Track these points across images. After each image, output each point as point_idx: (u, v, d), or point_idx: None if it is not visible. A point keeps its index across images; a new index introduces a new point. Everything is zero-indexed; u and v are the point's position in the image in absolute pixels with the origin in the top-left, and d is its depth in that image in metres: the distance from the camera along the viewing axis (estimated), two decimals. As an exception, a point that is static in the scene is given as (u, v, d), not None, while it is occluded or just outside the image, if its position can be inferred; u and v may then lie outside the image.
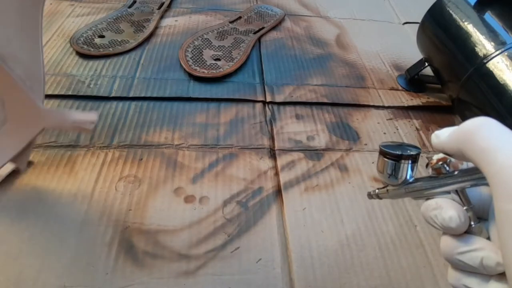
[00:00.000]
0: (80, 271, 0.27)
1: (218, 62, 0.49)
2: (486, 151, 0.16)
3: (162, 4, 0.60)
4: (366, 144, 0.41)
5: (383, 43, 0.59)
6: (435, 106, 0.48)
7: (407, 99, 0.48)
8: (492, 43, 0.38)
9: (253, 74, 0.49)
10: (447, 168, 0.20)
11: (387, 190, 0.23)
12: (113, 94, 0.42)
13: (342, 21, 0.64)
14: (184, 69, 0.47)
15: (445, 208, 0.18)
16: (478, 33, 0.39)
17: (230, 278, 0.28)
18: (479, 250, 0.18)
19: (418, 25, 0.47)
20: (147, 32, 0.53)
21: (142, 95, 0.43)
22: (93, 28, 0.52)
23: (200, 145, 0.38)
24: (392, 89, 0.50)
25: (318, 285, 0.28)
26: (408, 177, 0.21)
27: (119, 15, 0.56)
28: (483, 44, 0.38)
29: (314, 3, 0.68)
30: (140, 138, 0.38)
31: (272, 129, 0.41)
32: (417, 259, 0.31)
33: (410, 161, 0.21)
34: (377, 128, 0.43)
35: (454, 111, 0.47)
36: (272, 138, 0.40)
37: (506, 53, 0.36)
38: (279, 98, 0.45)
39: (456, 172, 0.19)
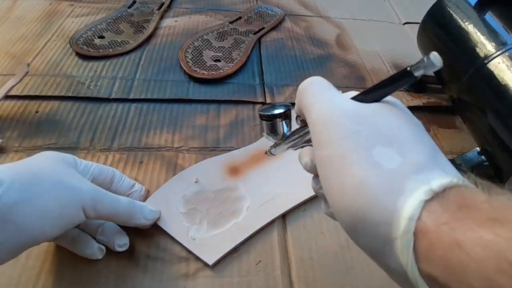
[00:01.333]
0: (80, 275, 0.27)
1: (218, 63, 0.48)
2: (305, 108, 0.20)
3: (162, 4, 0.60)
4: (366, 145, 0.41)
5: (383, 43, 0.59)
6: (436, 107, 0.48)
7: (407, 100, 0.48)
8: (493, 44, 0.38)
9: (253, 75, 0.49)
10: None
11: (275, 146, 0.27)
12: (113, 96, 0.42)
13: (342, 21, 0.63)
14: (184, 71, 0.47)
15: (303, 155, 0.22)
16: (478, 34, 0.39)
17: (229, 280, 0.28)
18: None
19: (418, 25, 0.47)
20: (147, 32, 0.52)
21: (142, 96, 0.43)
22: (93, 29, 0.52)
23: (200, 148, 0.38)
24: (392, 89, 0.50)
25: (318, 287, 0.28)
26: (285, 131, 0.25)
27: (119, 15, 0.55)
28: (484, 45, 0.38)
29: (314, 3, 0.68)
30: (140, 141, 0.38)
31: (272, 131, 0.41)
32: (417, 261, 0.31)
33: (282, 118, 0.24)
34: (378, 129, 0.43)
35: (455, 112, 0.47)
36: (272, 139, 0.40)
37: (507, 54, 0.36)
38: (279, 99, 0.45)
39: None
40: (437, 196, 0.14)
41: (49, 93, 0.41)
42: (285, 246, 0.31)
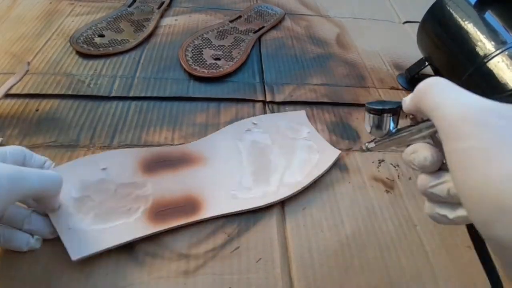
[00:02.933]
0: (79, 271, 0.27)
1: (218, 62, 0.49)
2: (437, 107, 0.19)
3: (162, 3, 0.60)
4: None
5: (383, 42, 0.59)
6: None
7: (407, 99, 0.48)
8: (493, 43, 0.38)
9: (253, 74, 0.49)
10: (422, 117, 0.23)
11: (375, 142, 0.27)
12: (113, 94, 0.42)
13: (343, 21, 0.63)
14: (184, 69, 0.47)
15: (421, 150, 0.22)
16: (478, 33, 0.39)
17: (229, 278, 0.28)
18: (446, 182, 0.21)
19: (418, 24, 0.47)
20: (147, 31, 0.53)
21: (142, 94, 0.43)
22: (93, 27, 0.52)
23: (200, 145, 0.38)
24: (392, 88, 0.50)
25: (318, 285, 0.28)
26: (391, 128, 0.25)
27: (119, 14, 0.55)
28: (484, 44, 0.38)
29: (314, 2, 0.68)
30: (140, 138, 0.38)
31: (272, 129, 0.41)
32: (417, 259, 0.31)
33: (391, 114, 0.24)
34: (377, 128, 0.43)
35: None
36: (272, 137, 0.40)
37: (506, 53, 0.36)
38: (279, 98, 0.45)
39: (427, 120, 0.22)
40: None
41: (49, 92, 0.41)
42: (285, 244, 0.31)
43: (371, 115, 0.25)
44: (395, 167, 0.39)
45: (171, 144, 0.38)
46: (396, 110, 0.24)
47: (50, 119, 0.39)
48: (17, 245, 0.27)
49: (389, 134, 0.25)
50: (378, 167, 0.38)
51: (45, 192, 0.26)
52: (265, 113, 0.43)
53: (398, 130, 0.24)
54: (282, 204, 0.34)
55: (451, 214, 0.21)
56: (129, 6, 0.58)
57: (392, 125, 0.25)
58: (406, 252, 0.31)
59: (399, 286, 0.29)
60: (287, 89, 0.47)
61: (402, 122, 0.25)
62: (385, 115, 0.24)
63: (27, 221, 0.27)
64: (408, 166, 0.23)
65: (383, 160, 0.39)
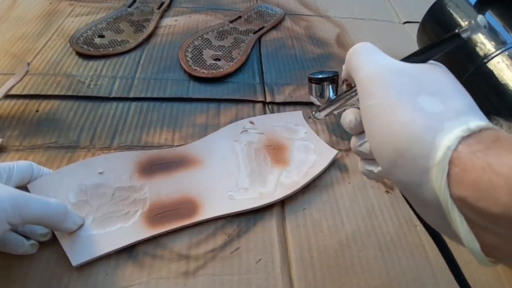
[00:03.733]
0: (80, 271, 0.27)
1: (218, 62, 0.49)
2: (354, 68, 0.21)
3: (162, 3, 0.60)
4: (366, 144, 0.41)
5: (383, 42, 0.59)
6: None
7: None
8: (493, 43, 0.38)
9: (253, 74, 0.49)
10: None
11: (319, 110, 0.29)
12: (113, 95, 0.42)
13: (342, 21, 0.63)
14: (184, 69, 0.47)
15: (347, 114, 0.24)
16: (478, 33, 0.39)
17: (229, 279, 0.28)
18: (368, 141, 0.23)
19: (418, 24, 0.47)
20: (147, 32, 0.53)
21: (142, 95, 0.43)
22: (93, 28, 0.52)
23: (200, 146, 0.38)
24: (392, 88, 0.50)
25: (318, 285, 0.28)
26: (330, 95, 0.27)
27: (119, 14, 0.55)
28: (484, 44, 0.38)
29: (314, 3, 0.68)
30: (140, 139, 0.38)
31: (272, 129, 0.41)
32: (417, 259, 0.31)
33: (329, 82, 0.27)
34: (377, 128, 0.43)
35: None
36: (272, 138, 0.40)
37: (506, 53, 0.36)
38: (279, 99, 0.45)
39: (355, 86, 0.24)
40: (473, 134, 0.16)
41: (49, 92, 0.42)
42: (285, 245, 0.31)
43: (313, 85, 0.27)
44: (395, 167, 0.39)
45: (171, 145, 0.38)
46: (334, 79, 0.27)
47: (50, 120, 0.39)
48: (11, 248, 0.27)
49: (330, 101, 0.27)
50: (378, 168, 0.38)
51: (47, 220, 0.26)
52: (265, 113, 0.43)
53: (337, 97, 0.26)
54: (282, 204, 0.34)
55: (375, 169, 0.24)
56: (129, 6, 0.58)
57: (331, 92, 0.27)
58: (406, 252, 0.31)
59: (399, 286, 0.29)
60: (287, 89, 0.47)
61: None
62: (325, 83, 0.27)
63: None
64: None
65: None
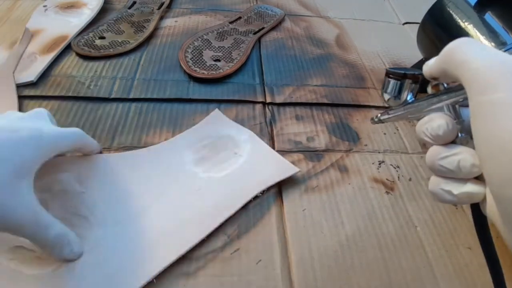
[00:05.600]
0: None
1: (218, 63, 0.49)
2: (464, 62, 0.18)
3: (162, 4, 0.60)
4: (366, 145, 0.41)
5: (383, 43, 0.59)
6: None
7: (407, 100, 0.48)
8: (492, 44, 0.38)
9: (253, 75, 0.49)
10: (445, 85, 0.22)
11: (388, 113, 0.25)
12: (113, 96, 0.42)
13: (342, 21, 0.64)
14: (184, 70, 0.47)
15: (436, 119, 0.21)
16: (478, 34, 0.39)
17: (229, 279, 0.28)
18: (457, 154, 0.20)
19: (418, 25, 0.47)
20: (147, 32, 0.53)
21: (142, 96, 0.43)
22: (94, 30, 0.52)
23: (200, 146, 0.38)
24: (392, 89, 0.50)
25: (318, 286, 0.28)
26: (408, 97, 0.23)
27: (120, 16, 0.56)
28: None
29: (314, 3, 0.68)
30: (140, 140, 0.38)
31: (272, 130, 0.41)
32: (417, 260, 0.31)
33: (412, 81, 0.23)
34: (377, 129, 0.43)
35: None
36: (272, 139, 0.40)
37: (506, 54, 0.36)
38: (279, 99, 0.45)
39: (448, 88, 0.21)
40: None
41: (49, 93, 0.42)
42: (285, 245, 0.31)
43: (392, 80, 0.23)
44: (395, 168, 0.39)
45: (171, 145, 0.38)
46: (417, 77, 0.23)
47: (50, 121, 0.39)
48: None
49: (405, 103, 0.23)
50: (378, 168, 0.38)
51: (80, 145, 0.30)
52: (265, 114, 0.43)
53: (415, 101, 0.23)
54: (281, 205, 0.34)
55: (456, 189, 0.20)
56: (130, 7, 0.58)
57: (410, 93, 0.23)
58: (406, 253, 0.31)
59: (399, 286, 0.29)
60: (287, 90, 0.47)
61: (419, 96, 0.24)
62: (407, 80, 0.23)
63: None
64: (419, 138, 0.21)
65: (383, 161, 0.39)
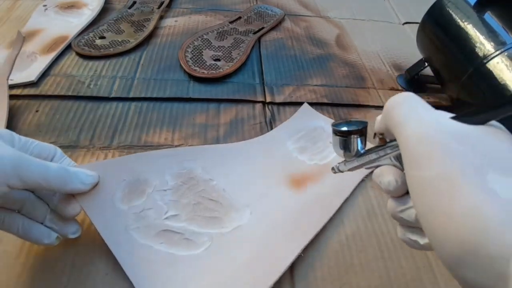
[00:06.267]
0: (80, 271, 0.27)
1: (218, 63, 0.49)
2: (397, 125, 0.18)
3: (162, 3, 0.60)
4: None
5: (383, 43, 0.59)
6: (435, 106, 0.47)
7: (407, 99, 0.48)
8: (492, 43, 0.38)
9: (253, 75, 0.49)
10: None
11: (344, 163, 0.26)
12: (113, 95, 0.42)
13: (342, 21, 0.64)
14: (184, 70, 0.47)
15: (385, 174, 0.21)
16: (478, 33, 0.39)
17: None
18: (412, 207, 0.20)
19: (418, 25, 0.47)
20: (147, 31, 0.53)
21: (142, 95, 0.43)
22: (94, 30, 0.52)
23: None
24: (392, 89, 0.50)
25: (319, 285, 0.28)
26: (359, 149, 0.24)
27: (120, 16, 0.56)
28: (483, 44, 0.38)
29: (314, 3, 0.68)
30: (140, 139, 0.38)
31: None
32: (417, 260, 0.31)
33: (358, 135, 0.23)
34: (377, 129, 0.43)
35: (454, 111, 0.47)
36: (272, 138, 0.40)
37: (506, 53, 0.36)
38: (279, 99, 0.45)
39: (393, 142, 0.21)
40: None
41: (49, 93, 0.42)
42: (285, 245, 0.31)
43: (338, 137, 0.24)
44: (395, 167, 0.39)
45: (171, 145, 0.38)
46: (362, 131, 0.23)
47: (50, 120, 0.39)
48: (36, 238, 0.26)
49: (358, 155, 0.24)
50: (378, 168, 0.38)
51: (48, 183, 0.24)
52: (264, 114, 0.43)
53: (367, 151, 0.23)
54: (282, 204, 0.34)
55: (422, 240, 0.20)
56: (130, 7, 0.58)
57: (360, 145, 0.24)
58: (406, 253, 0.31)
59: (399, 286, 0.29)
60: (287, 90, 0.47)
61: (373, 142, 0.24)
62: (352, 136, 0.23)
63: (49, 218, 0.26)
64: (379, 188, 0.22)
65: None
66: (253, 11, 0.62)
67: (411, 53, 0.55)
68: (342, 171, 0.26)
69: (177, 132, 0.39)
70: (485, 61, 0.37)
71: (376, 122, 0.22)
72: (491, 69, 0.37)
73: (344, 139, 0.24)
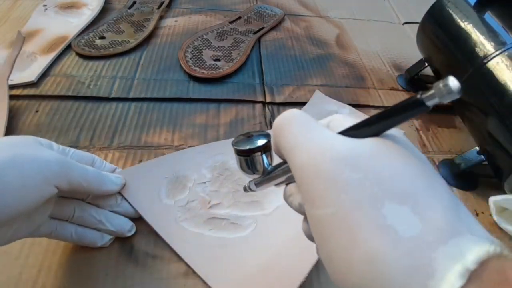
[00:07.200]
0: (80, 272, 0.27)
1: (218, 63, 0.49)
2: (286, 150, 0.16)
3: (162, 3, 0.60)
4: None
5: (383, 43, 0.59)
6: (435, 106, 0.47)
7: (407, 99, 0.48)
8: (492, 43, 0.38)
9: (253, 75, 0.49)
10: None
11: (255, 183, 0.23)
12: (113, 95, 0.42)
13: (342, 21, 0.64)
14: (184, 70, 0.47)
15: (295, 195, 0.19)
16: (478, 33, 0.39)
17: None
18: None
19: (418, 25, 0.47)
20: (147, 31, 0.53)
21: (142, 95, 0.43)
22: (94, 30, 0.52)
23: (200, 146, 0.38)
24: (392, 89, 0.50)
25: (319, 285, 0.28)
26: (265, 166, 0.21)
27: (120, 16, 0.56)
28: (483, 44, 0.38)
29: (314, 3, 0.68)
30: (140, 139, 0.38)
31: (272, 130, 0.41)
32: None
33: (261, 152, 0.21)
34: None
35: (454, 111, 0.47)
36: (272, 138, 0.40)
37: (506, 53, 0.36)
38: (279, 99, 0.45)
39: None
40: (474, 277, 0.11)
41: (49, 93, 0.42)
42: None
43: (241, 157, 0.21)
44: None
45: (171, 145, 0.38)
46: (266, 146, 0.21)
47: (50, 120, 0.39)
48: (90, 241, 0.28)
49: (266, 173, 0.21)
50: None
51: (88, 184, 0.26)
52: (264, 114, 0.43)
53: (275, 167, 0.21)
54: (282, 205, 0.34)
55: None
56: (130, 7, 0.58)
57: (266, 162, 0.21)
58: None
59: None
60: (287, 90, 0.47)
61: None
62: (255, 154, 0.21)
63: (104, 220, 0.28)
64: None
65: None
66: (253, 11, 0.62)
67: (411, 53, 0.55)
68: (254, 191, 0.24)
69: (177, 133, 0.39)
70: (485, 61, 0.37)
71: (271, 141, 0.20)
72: (491, 69, 0.37)
73: (247, 159, 0.21)
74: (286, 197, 0.20)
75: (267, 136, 0.21)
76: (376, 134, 0.15)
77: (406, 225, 0.12)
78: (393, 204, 0.13)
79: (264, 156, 0.21)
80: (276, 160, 0.21)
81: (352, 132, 0.16)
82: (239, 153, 0.21)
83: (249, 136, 0.21)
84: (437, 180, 0.14)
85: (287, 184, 0.20)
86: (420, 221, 0.12)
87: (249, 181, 0.24)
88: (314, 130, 0.16)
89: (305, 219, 0.19)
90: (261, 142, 0.21)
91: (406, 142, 0.15)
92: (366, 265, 0.12)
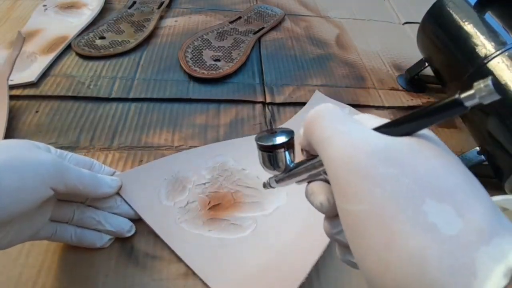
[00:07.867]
0: (80, 273, 0.27)
1: (218, 63, 0.49)
2: (319, 143, 0.16)
3: (162, 3, 0.60)
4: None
5: (383, 43, 0.59)
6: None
7: (407, 99, 0.48)
8: (493, 43, 0.38)
9: (253, 75, 0.49)
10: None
11: (275, 180, 0.23)
12: (113, 95, 0.42)
13: (342, 21, 0.63)
14: (184, 70, 0.47)
15: (317, 193, 0.18)
16: (478, 33, 0.39)
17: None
18: None
19: (418, 25, 0.47)
20: (147, 31, 0.53)
21: (142, 96, 0.43)
22: (94, 30, 0.52)
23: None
24: (392, 89, 0.50)
25: (319, 285, 0.28)
26: (288, 163, 0.21)
27: (120, 16, 0.55)
28: (484, 44, 0.38)
29: (314, 3, 0.68)
30: (140, 140, 0.38)
31: (272, 130, 0.41)
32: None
33: (285, 149, 0.21)
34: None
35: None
36: (272, 139, 0.40)
37: (506, 53, 0.36)
38: (279, 99, 0.45)
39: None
40: None
41: (49, 93, 0.41)
42: (285, 245, 0.31)
43: (264, 153, 0.21)
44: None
45: (171, 146, 0.38)
46: (289, 143, 0.21)
47: (50, 121, 0.39)
48: (89, 242, 0.28)
49: (288, 170, 0.21)
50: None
51: (84, 187, 0.26)
52: (264, 114, 0.43)
53: (297, 164, 0.21)
54: (282, 205, 0.34)
55: None
56: (130, 7, 0.58)
57: (288, 159, 0.21)
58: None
59: None
60: (287, 90, 0.47)
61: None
62: (278, 151, 0.21)
63: (103, 221, 0.28)
64: None
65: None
66: (253, 11, 0.62)
67: (411, 53, 0.55)
68: (274, 187, 0.24)
69: (177, 133, 0.39)
70: (485, 61, 0.37)
71: (300, 136, 0.19)
72: (491, 69, 0.37)
73: (270, 155, 0.21)
74: (307, 196, 0.19)
75: (291, 133, 0.21)
76: (409, 133, 0.15)
77: (448, 224, 0.12)
78: (433, 202, 0.12)
79: (286, 152, 0.21)
80: (298, 158, 0.21)
81: (385, 129, 0.15)
82: (262, 148, 0.21)
83: (272, 132, 0.22)
84: (476, 180, 0.14)
85: (308, 183, 0.20)
86: (461, 220, 0.12)
87: (269, 178, 0.24)
88: (349, 124, 0.16)
89: (327, 218, 0.19)
90: (284, 138, 0.21)
91: (439, 142, 0.15)
92: (406, 264, 0.12)
